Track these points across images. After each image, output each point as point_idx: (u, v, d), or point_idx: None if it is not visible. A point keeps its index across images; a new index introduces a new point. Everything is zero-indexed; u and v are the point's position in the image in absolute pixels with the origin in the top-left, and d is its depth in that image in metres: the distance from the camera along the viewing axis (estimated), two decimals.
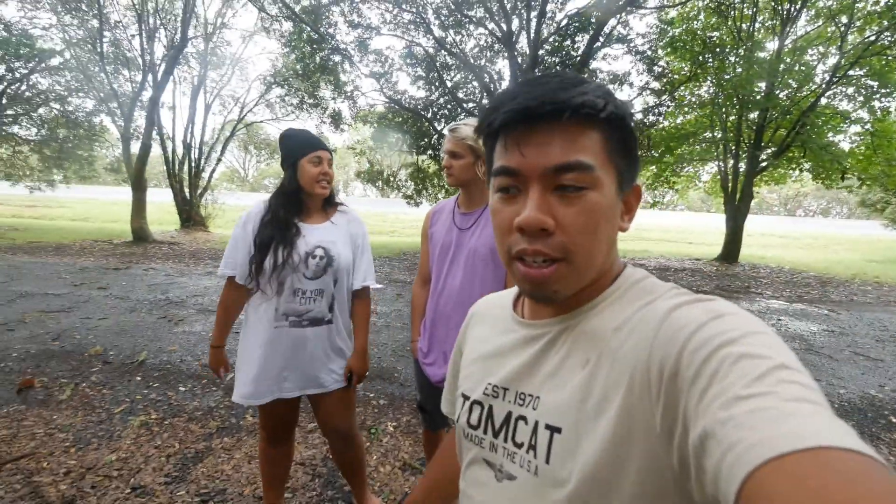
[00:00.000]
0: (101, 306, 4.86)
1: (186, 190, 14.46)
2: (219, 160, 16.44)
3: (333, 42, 11.05)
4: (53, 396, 2.79)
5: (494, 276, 1.49)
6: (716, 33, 11.20)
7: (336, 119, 12.45)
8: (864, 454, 0.27)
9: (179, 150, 14.53)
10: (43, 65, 12.75)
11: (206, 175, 15.44)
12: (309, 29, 10.71)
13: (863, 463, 0.27)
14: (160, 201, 18.27)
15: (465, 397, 0.62)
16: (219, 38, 14.86)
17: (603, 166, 0.46)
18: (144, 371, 3.24)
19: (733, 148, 11.68)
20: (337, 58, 11.52)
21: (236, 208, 21.25)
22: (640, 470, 0.41)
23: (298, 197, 1.51)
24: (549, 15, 10.69)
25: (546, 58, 11.10)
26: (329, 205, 1.60)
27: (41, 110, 14.08)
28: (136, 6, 11.63)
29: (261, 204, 1.54)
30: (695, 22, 11.37)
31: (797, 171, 12.89)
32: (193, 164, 14.83)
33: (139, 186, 10.92)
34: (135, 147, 11.66)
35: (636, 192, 0.52)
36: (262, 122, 18.60)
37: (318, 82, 12.19)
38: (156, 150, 13.37)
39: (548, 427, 0.49)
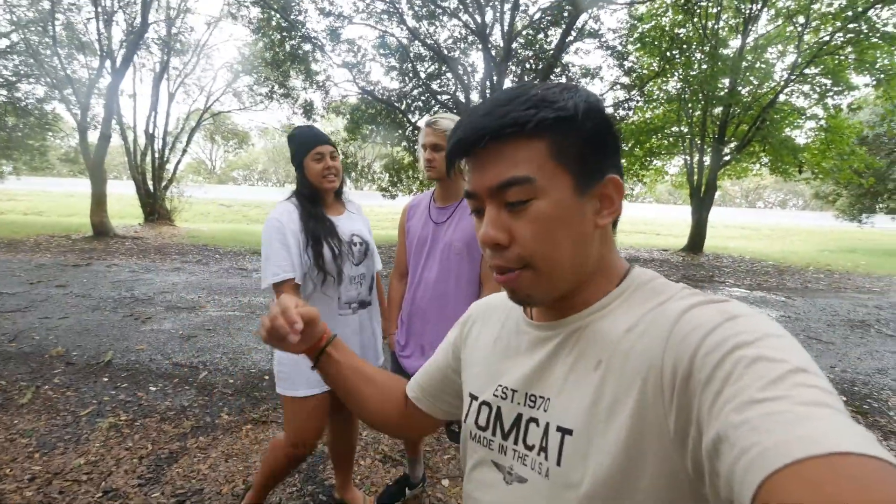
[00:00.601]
0: (60, 305, 4.63)
1: (150, 182, 13.84)
2: (184, 151, 15.84)
3: (304, 30, 10.76)
4: (13, 400, 2.66)
5: (470, 270, 1.51)
6: (682, 30, 11.52)
7: (308, 110, 12.15)
8: (883, 460, 0.26)
9: (142, 141, 13.88)
10: None
11: (170, 167, 14.83)
12: (278, 16, 10.38)
13: (881, 469, 0.26)
14: (122, 194, 17.49)
15: (474, 397, 0.61)
16: (182, 24, 14.22)
17: (548, 174, 0.46)
18: (111, 371, 3.13)
19: (699, 142, 12.10)
20: (308, 46, 11.23)
21: (203, 201, 20.56)
22: (653, 473, 0.41)
23: (315, 193, 1.54)
24: (522, 8, 10.73)
25: (520, 51, 11.16)
26: (339, 197, 1.67)
27: None
28: None
29: (287, 203, 1.53)
30: (663, 18, 11.65)
31: (757, 165, 13.49)
32: (157, 155, 14.20)
33: (99, 178, 10.39)
34: (93, 137, 11.08)
35: (613, 183, 0.49)
36: (229, 111, 18.01)
37: (289, 71, 11.85)
38: (116, 140, 12.75)
39: (559, 429, 0.48)
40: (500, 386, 0.57)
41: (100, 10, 11.11)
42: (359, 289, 1.59)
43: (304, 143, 1.52)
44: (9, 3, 11.34)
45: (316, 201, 1.54)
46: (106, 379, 3.01)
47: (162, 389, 2.90)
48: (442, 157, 1.49)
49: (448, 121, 1.49)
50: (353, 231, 1.59)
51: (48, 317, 4.22)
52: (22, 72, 12.71)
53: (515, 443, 0.54)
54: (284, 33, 10.84)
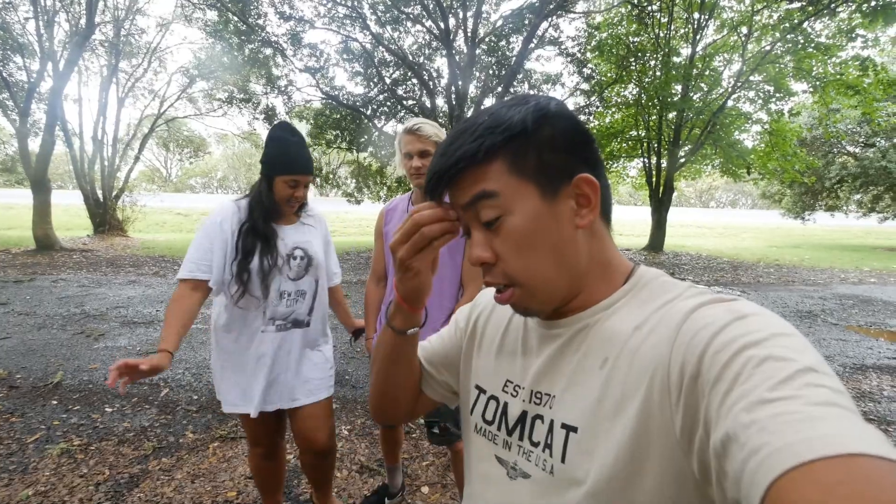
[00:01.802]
0: (1, 324, 4.28)
1: (99, 191, 13.06)
2: (136, 158, 15.03)
3: (263, 34, 10.50)
4: None
5: (452, 272, 1.51)
6: (637, 39, 12.02)
7: (269, 115, 11.85)
8: (895, 461, 0.26)
9: (89, 148, 13.09)
10: None
11: (122, 175, 14.06)
12: (236, 19, 10.09)
13: (893, 471, 0.26)
14: (68, 204, 16.45)
15: (482, 390, 0.61)
16: (131, 25, 13.56)
17: (513, 188, 0.47)
18: (61, 393, 2.91)
19: (656, 145, 12.63)
20: (268, 51, 10.97)
21: (159, 210, 19.62)
22: (658, 471, 0.41)
23: (274, 209, 1.46)
24: (484, 15, 10.90)
25: (483, 57, 11.31)
26: (300, 207, 1.57)
27: None
28: None
29: (231, 205, 1.44)
30: (618, 27, 12.12)
31: (710, 167, 14.22)
32: (107, 163, 13.42)
33: (41, 188, 9.72)
34: (34, 144, 10.36)
35: (586, 182, 0.48)
36: (185, 117, 17.29)
37: (249, 76, 11.53)
38: (60, 147, 11.97)
39: (564, 426, 0.49)
40: (510, 382, 0.58)
41: (39, 9, 10.44)
42: (293, 306, 1.48)
43: (283, 163, 1.41)
44: None
45: (269, 216, 1.44)
46: (55, 402, 2.79)
47: (119, 410, 2.73)
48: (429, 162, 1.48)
49: (430, 126, 1.49)
50: (298, 243, 1.49)
51: None
52: None
53: (520, 439, 0.54)
54: (243, 37, 10.55)
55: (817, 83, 10.47)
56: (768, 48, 10.54)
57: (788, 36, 9.91)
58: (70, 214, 15.46)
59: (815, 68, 10.46)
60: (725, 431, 0.33)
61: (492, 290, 0.70)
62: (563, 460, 0.48)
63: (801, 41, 9.84)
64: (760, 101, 11.72)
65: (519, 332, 0.60)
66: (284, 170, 1.41)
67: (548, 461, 0.49)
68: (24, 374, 3.19)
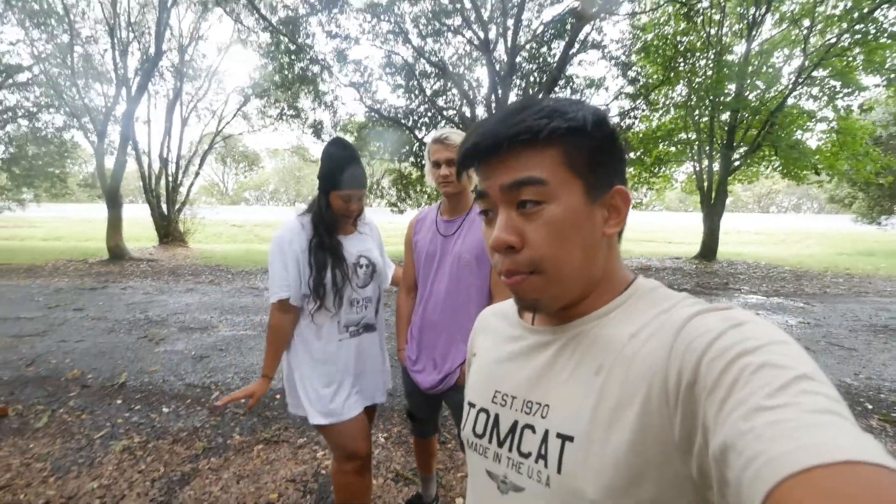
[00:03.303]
0: (77, 328, 4.71)
1: (164, 205, 14.15)
2: (197, 174, 16.18)
3: (312, 52, 11.03)
4: (29, 425, 2.69)
5: (480, 281, 1.50)
6: (686, 38, 11.55)
7: (317, 129, 12.39)
8: (893, 469, 0.26)
9: (156, 165, 14.25)
10: (10, 81, 12.38)
11: (184, 189, 15.16)
12: (287, 40, 10.66)
13: (891, 479, 0.26)
14: (137, 217, 17.87)
15: (472, 405, 0.61)
16: (194, 51, 14.68)
17: (561, 180, 0.47)
18: (125, 393, 3.15)
19: (707, 148, 12.02)
20: (316, 68, 11.50)
21: (216, 222, 20.93)
22: (657, 479, 0.41)
23: (334, 222, 1.51)
24: (525, 23, 10.88)
25: (524, 65, 11.27)
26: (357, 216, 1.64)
27: (9, 127, 13.66)
28: (108, 20, 11.41)
29: (295, 222, 1.50)
30: (666, 27, 11.71)
31: (768, 169, 13.33)
32: (171, 179, 14.54)
33: (115, 203, 10.66)
34: (109, 162, 11.40)
35: (621, 194, 0.51)
36: (240, 134, 18.39)
37: (298, 93, 12.13)
38: (131, 165, 13.09)
39: (559, 436, 0.48)
40: (499, 392, 0.57)
41: (116, 40, 11.53)
42: (363, 312, 1.56)
43: (338, 178, 1.44)
44: (30, 38, 11.82)
45: (331, 230, 1.49)
46: (120, 401, 3.03)
47: (175, 410, 2.91)
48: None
49: (457, 135, 1.50)
50: (361, 252, 1.56)
51: (65, 340, 4.29)
52: (42, 102, 13.20)
53: (510, 450, 0.53)
54: (293, 56, 11.12)
55: (892, 76, 9.60)
56: (833, 40, 9.80)
57: (857, 27, 9.16)
58: (139, 227, 16.80)
59: (888, 60, 9.59)
60: (723, 440, 0.33)
61: (487, 309, 0.71)
62: (559, 470, 0.47)
63: (872, 31, 9.07)
64: (826, 98, 10.87)
65: (510, 343, 0.60)
66: (337, 185, 1.45)
67: (542, 472, 0.48)
68: (94, 374, 3.48)
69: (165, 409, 2.92)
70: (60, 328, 4.68)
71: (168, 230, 13.87)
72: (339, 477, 1.55)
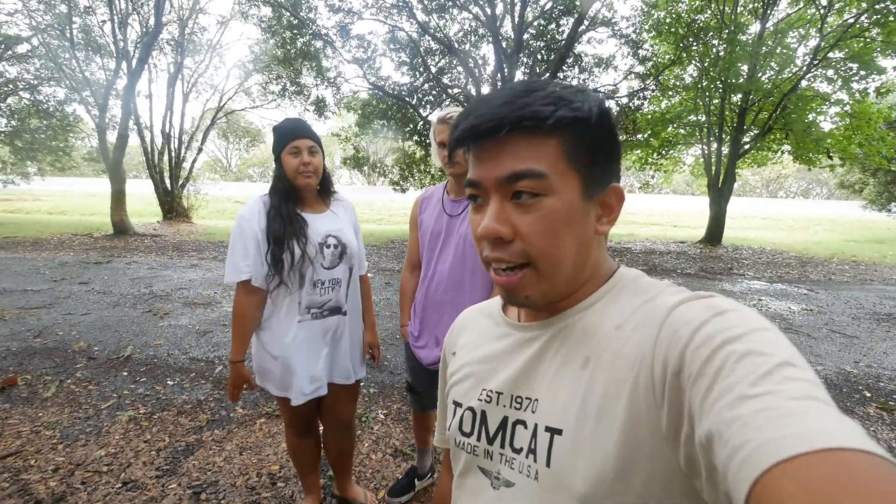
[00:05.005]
0: (83, 301, 4.77)
1: (167, 181, 14.13)
2: (200, 149, 16.07)
3: (314, 27, 10.79)
4: (38, 394, 2.75)
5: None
6: (700, 16, 11.21)
7: (320, 106, 12.23)
8: (875, 454, 0.27)
9: (158, 140, 14.15)
10: (10, 52, 12.22)
11: (187, 165, 15.10)
12: (288, 14, 10.42)
13: (874, 464, 0.26)
14: (141, 192, 17.88)
15: (458, 405, 0.60)
16: (194, 24, 14.39)
17: (560, 173, 0.46)
18: (131, 366, 3.21)
19: (716, 131, 11.81)
20: (318, 43, 11.26)
21: (220, 198, 20.91)
22: (647, 469, 0.41)
23: (292, 189, 1.46)
24: None
25: (531, 42, 11.01)
26: (325, 193, 1.58)
27: (10, 100, 13.56)
28: None
29: (257, 200, 1.46)
30: (679, 4, 11.35)
31: (778, 153, 13.11)
32: (174, 154, 14.48)
33: (118, 177, 10.64)
34: (112, 137, 11.33)
35: (615, 193, 0.50)
36: (242, 109, 18.21)
37: (301, 69, 11.92)
38: (134, 139, 13.02)
39: (548, 429, 0.48)
40: (485, 390, 0.56)
41: (115, 12, 11.31)
42: (328, 294, 1.49)
43: (281, 136, 1.43)
44: (28, 9, 11.62)
45: (290, 198, 1.45)
46: (126, 373, 3.08)
47: (179, 383, 2.97)
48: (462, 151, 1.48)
49: None
50: (330, 231, 1.49)
51: (71, 313, 4.34)
52: (43, 75, 13.06)
53: (502, 446, 0.53)
54: (295, 31, 10.89)
55: None
56: (851, 21, 9.49)
57: (877, 6, 8.86)
58: (143, 202, 16.82)
59: None
60: (709, 428, 0.33)
61: (468, 309, 0.69)
62: (548, 464, 0.47)
63: (893, 10, 8.77)
64: (840, 81, 10.60)
65: (495, 340, 0.59)
66: (283, 141, 1.43)
67: (532, 467, 0.49)
68: (100, 346, 3.54)
69: (170, 382, 2.98)
70: (66, 301, 4.74)
71: (172, 206, 13.89)
72: (287, 438, 1.71)
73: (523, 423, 0.51)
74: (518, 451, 0.51)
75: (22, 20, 12.02)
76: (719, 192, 11.86)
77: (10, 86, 13.16)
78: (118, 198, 10.56)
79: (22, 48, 12.34)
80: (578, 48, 11.03)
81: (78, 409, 2.59)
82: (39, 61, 12.78)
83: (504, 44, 10.34)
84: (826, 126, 11.66)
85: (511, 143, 0.45)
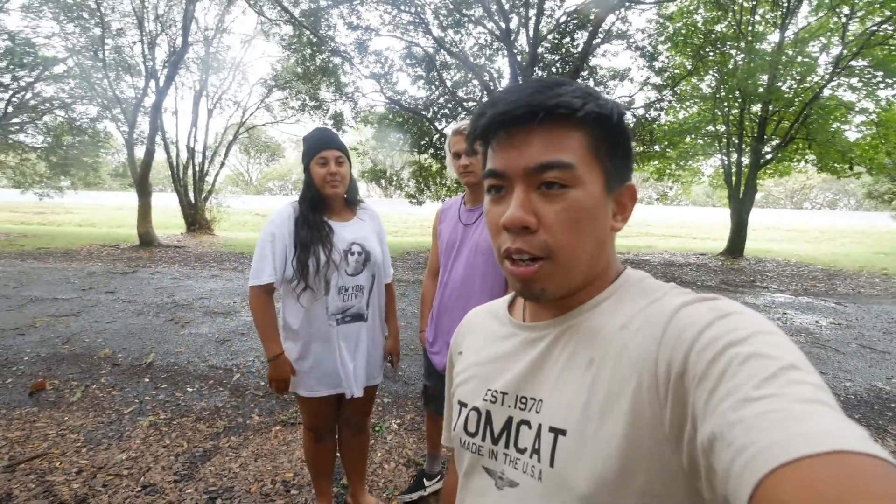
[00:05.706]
0: (109, 310, 4.92)
1: (191, 194, 14.57)
2: (222, 164, 16.55)
3: (333, 44, 11.08)
4: (64, 398, 2.84)
5: (495, 271, 1.52)
6: (717, 27, 11.13)
7: (338, 121, 12.49)
8: (878, 457, 0.27)
9: (183, 155, 14.64)
10: (47, 73, 12.86)
11: (210, 179, 15.55)
12: (308, 31, 10.75)
13: (878, 467, 0.26)
14: (165, 205, 18.42)
15: (463, 405, 0.60)
16: (219, 43, 14.95)
17: (586, 166, 0.47)
18: (153, 373, 3.29)
19: (736, 141, 11.62)
20: (337, 60, 11.55)
21: (241, 211, 21.41)
22: (649, 469, 0.41)
23: (320, 198, 1.52)
24: (547, 13, 10.68)
25: (546, 55, 11.09)
26: (352, 202, 1.63)
27: (46, 118, 14.22)
28: (137, 13, 11.72)
29: (287, 207, 1.53)
30: (695, 15, 11.31)
31: (802, 163, 12.81)
32: (198, 168, 14.94)
33: (144, 191, 11.02)
34: (139, 152, 11.77)
35: (629, 191, 0.51)
36: (263, 125, 18.71)
37: (319, 84, 12.23)
38: (160, 154, 13.47)
39: (552, 429, 0.48)
40: (490, 390, 0.56)
41: (144, 33, 11.85)
42: (352, 301, 1.54)
43: (311, 147, 1.50)
44: (64, 32, 12.25)
45: (317, 206, 1.51)
46: (147, 379, 3.16)
47: (198, 390, 3.03)
48: (479, 161, 1.51)
49: None
50: (355, 239, 1.54)
51: (97, 321, 4.49)
52: (77, 94, 13.69)
53: (506, 447, 0.53)
54: (314, 48, 11.20)
55: None
56: (875, 28, 9.30)
57: None
58: (168, 215, 17.32)
59: None
60: (712, 430, 0.33)
61: (474, 310, 0.70)
62: (551, 464, 0.47)
63: None
64: (866, 89, 10.35)
65: (499, 340, 0.59)
66: (312, 151, 1.50)
67: (535, 467, 0.49)
68: (124, 353, 3.64)
69: (189, 389, 3.04)
70: (93, 309, 4.90)
71: (195, 218, 14.29)
72: (304, 443, 1.74)
73: (528, 423, 0.51)
74: (522, 452, 0.51)
75: (58, 42, 12.66)
76: (740, 204, 11.62)
77: (47, 104, 13.81)
78: (144, 210, 10.92)
79: (58, 69, 12.97)
80: (593, 61, 11.05)
81: (101, 413, 2.67)
82: (74, 81, 13.39)
83: (519, 57, 10.44)
84: (852, 135, 11.37)
85: (540, 132, 0.46)
